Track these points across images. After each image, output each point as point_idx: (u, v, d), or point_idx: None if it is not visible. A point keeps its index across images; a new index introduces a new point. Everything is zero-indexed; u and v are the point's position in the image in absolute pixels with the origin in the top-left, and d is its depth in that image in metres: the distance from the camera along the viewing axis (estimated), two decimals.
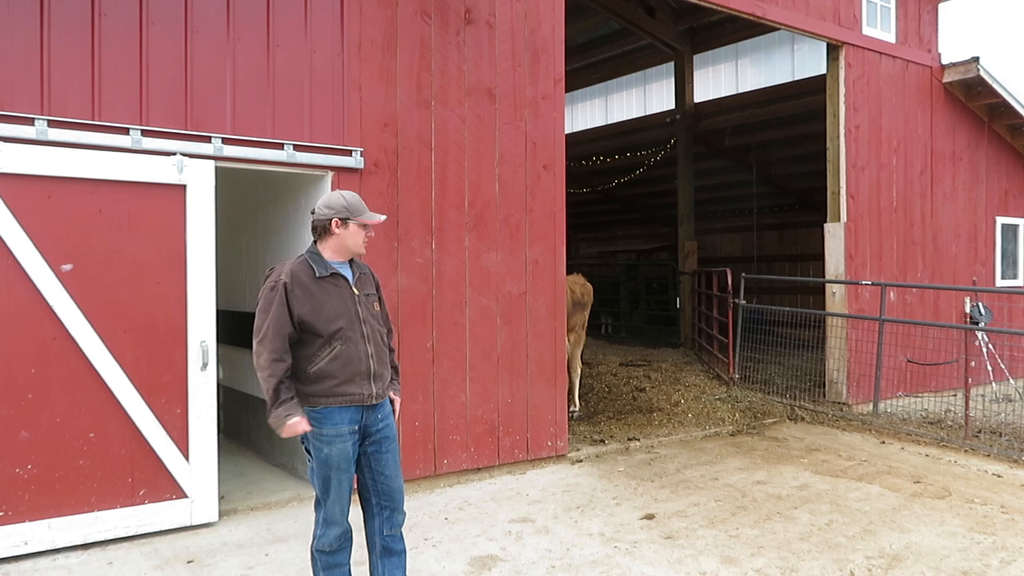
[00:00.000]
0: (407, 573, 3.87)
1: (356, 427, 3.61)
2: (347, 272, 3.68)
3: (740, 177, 16.69)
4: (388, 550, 3.76)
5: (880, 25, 9.98)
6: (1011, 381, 10.34)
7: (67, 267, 4.81)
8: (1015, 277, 11.88)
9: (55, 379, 4.78)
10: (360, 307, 3.64)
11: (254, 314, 3.55)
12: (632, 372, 11.30)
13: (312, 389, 3.55)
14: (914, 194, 10.33)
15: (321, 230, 3.66)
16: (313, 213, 3.69)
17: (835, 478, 6.52)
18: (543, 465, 6.87)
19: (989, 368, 10.22)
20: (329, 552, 3.67)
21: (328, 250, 3.67)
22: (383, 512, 3.73)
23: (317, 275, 3.58)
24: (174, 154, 5.14)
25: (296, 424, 3.47)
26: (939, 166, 10.67)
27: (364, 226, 3.70)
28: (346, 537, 3.70)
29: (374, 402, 3.63)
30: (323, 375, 3.54)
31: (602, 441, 7.68)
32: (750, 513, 5.60)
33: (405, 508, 3.83)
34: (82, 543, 4.86)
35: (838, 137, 9.56)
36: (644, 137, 16.34)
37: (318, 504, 3.68)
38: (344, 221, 3.64)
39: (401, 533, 3.80)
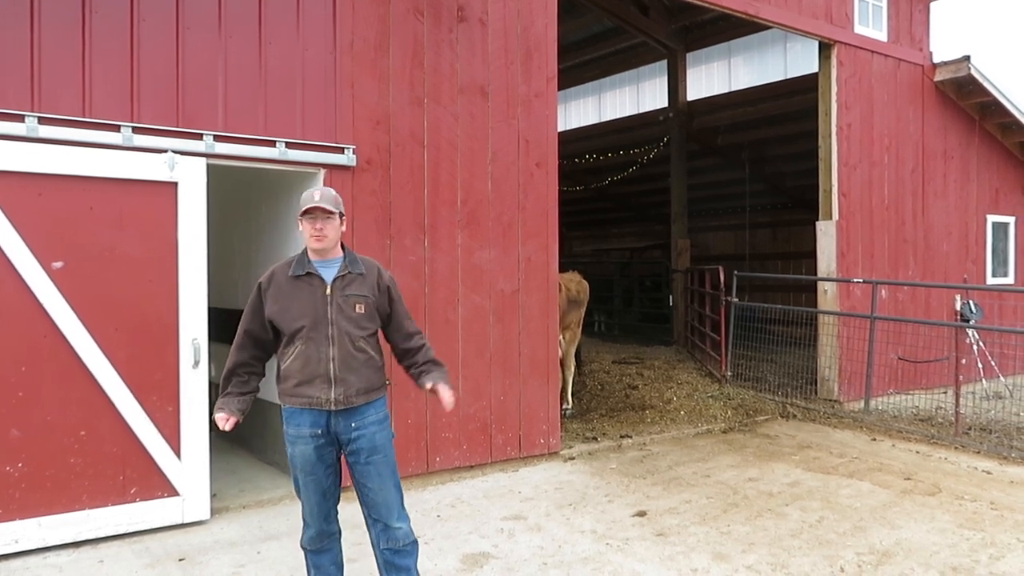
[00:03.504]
0: None
1: (319, 431, 3.52)
2: (327, 271, 3.58)
3: (733, 175, 16.72)
4: (390, 564, 3.62)
5: (872, 24, 10.01)
6: (1001, 378, 10.39)
7: (58, 265, 4.79)
8: (1006, 275, 11.94)
9: (46, 377, 4.77)
10: (331, 308, 3.52)
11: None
12: (625, 370, 11.33)
13: (280, 387, 3.60)
14: (906, 192, 10.37)
15: None
16: None
17: (826, 475, 6.55)
18: (536, 462, 6.88)
19: (980, 365, 10.27)
20: (311, 551, 3.66)
21: (308, 249, 3.64)
22: (376, 525, 3.63)
23: (292, 274, 3.58)
24: (165, 151, 5.13)
25: (218, 419, 3.54)
26: (930, 164, 10.71)
27: (309, 218, 3.54)
28: (328, 539, 3.65)
29: (334, 407, 3.50)
30: (286, 374, 3.55)
31: (595, 439, 7.70)
32: (741, 510, 5.62)
33: (404, 525, 3.64)
34: (73, 541, 4.85)
35: (830, 135, 9.59)
36: (637, 135, 16.36)
37: None
38: (299, 221, 3.61)
39: (407, 548, 3.62)
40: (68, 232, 4.83)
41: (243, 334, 3.62)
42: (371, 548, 3.75)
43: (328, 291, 3.54)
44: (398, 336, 3.80)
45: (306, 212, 3.54)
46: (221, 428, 3.55)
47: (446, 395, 3.70)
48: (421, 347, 3.81)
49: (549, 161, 7.00)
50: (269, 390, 6.71)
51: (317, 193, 3.58)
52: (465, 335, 6.47)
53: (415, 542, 3.67)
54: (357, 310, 3.59)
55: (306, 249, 3.63)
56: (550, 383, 7.03)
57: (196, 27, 5.30)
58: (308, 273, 3.57)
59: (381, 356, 3.69)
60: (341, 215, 3.63)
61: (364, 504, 3.64)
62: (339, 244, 3.65)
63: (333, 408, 3.51)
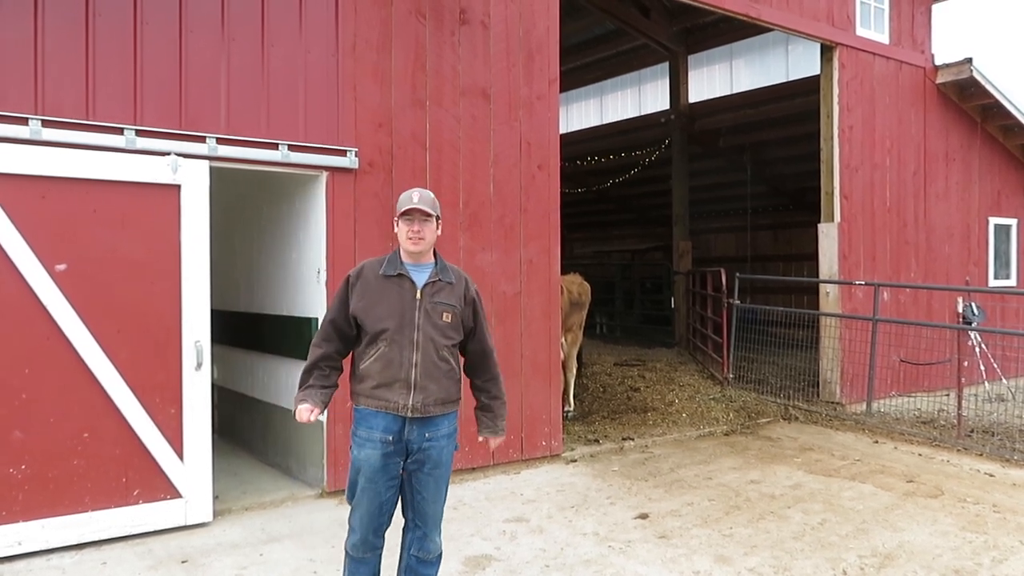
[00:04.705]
0: None
1: (391, 437, 3.42)
2: (419, 275, 3.51)
3: (735, 177, 16.73)
4: (414, 571, 3.61)
5: (874, 26, 10.01)
6: (1004, 381, 10.39)
7: (61, 267, 4.80)
8: (1008, 277, 11.93)
9: (49, 379, 4.77)
10: (418, 313, 3.44)
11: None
12: (627, 372, 11.32)
13: (356, 387, 3.53)
14: (907, 194, 10.37)
15: None
16: None
17: (828, 477, 6.55)
18: (537, 465, 6.88)
19: (982, 368, 10.27)
20: (352, 556, 3.56)
21: (401, 250, 3.56)
22: (416, 530, 3.58)
23: (382, 273, 3.50)
24: (168, 154, 5.14)
25: (302, 410, 3.45)
26: (932, 166, 10.71)
27: (406, 220, 3.48)
28: (371, 551, 3.54)
29: (410, 415, 3.42)
30: (365, 375, 3.48)
31: (596, 441, 7.70)
32: (744, 512, 5.62)
33: (438, 538, 3.63)
34: (76, 543, 4.85)
35: (832, 138, 9.59)
36: (639, 137, 16.37)
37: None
38: (396, 221, 3.54)
39: (433, 560, 3.61)
40: (71, 234, 4.84)
41: (328, 325, 3.55)
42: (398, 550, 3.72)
43: (418, 295, 3.47)
44: (475, 353, 3.72)
45: (404, 213, 3.47)
46: (304, 420, 3.45)
47: (492, 445, 3.82)
48: (494, 377, 3.76)
49: (551, 163, 7.01)
50: (272, 392, 6.74)
51: (416, 195, 3.50)
52: None
53: (441, 555, 3.66)
54: (444, 319, 3.51)
55: (399, 250, 3.56)
56: (552, 385, 7.03)
57: (199, 29, 5.31)
58: (399, 274, 3.49)
59: (460, 370, 3.64)
60: (438, 218, 3.56)
61: (410, 508, 3.58)
62: (432, 249, 3.59)
63: (409, 415, 3.43)
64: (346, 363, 3.67)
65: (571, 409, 8.79)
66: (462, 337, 3.62)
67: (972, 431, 8.17)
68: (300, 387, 3.53)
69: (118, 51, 5.02)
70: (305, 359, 3.60)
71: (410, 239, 3.47)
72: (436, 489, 3.55)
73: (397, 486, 3.52)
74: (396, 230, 3.55)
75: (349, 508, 3.58)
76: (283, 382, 6.49)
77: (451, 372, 3.55)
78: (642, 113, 16.80)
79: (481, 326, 3.69)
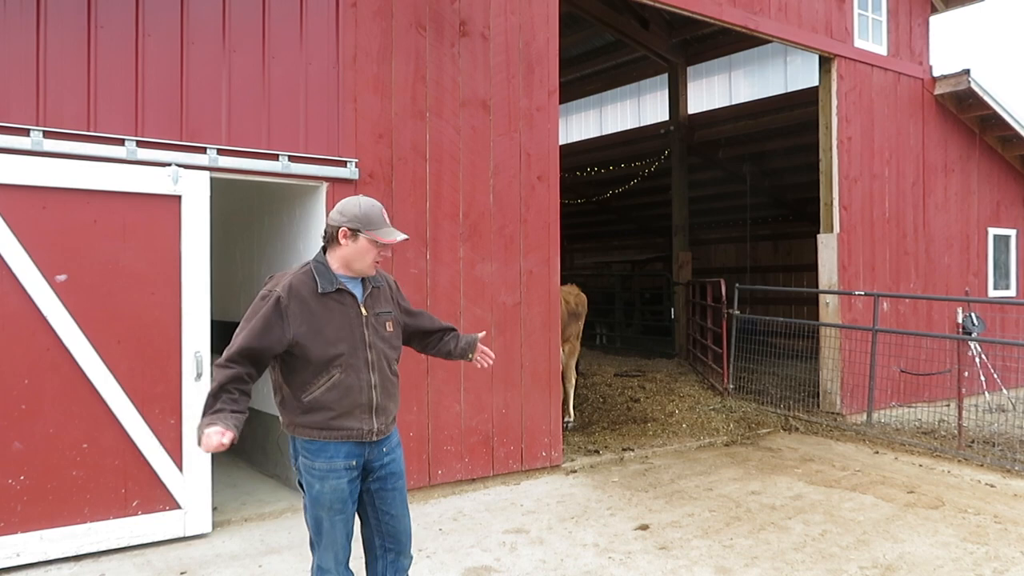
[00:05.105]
0: None
1: (354, 463, 3.20)
2: (356, 288, 3.25)
3: (734, 188, 16.78)
4: None
5: (872, 38, 10.06)
6: (1004, 391, 10.38)
7: (61, 277, 4.81)
8: (1007, 287, 11.95)
9: (49, 390, 4.77)
10: (367, 330, 3.21)
11: None
12: (627, 382, 11.32)
13: (305, 420, 3.18)
14: (906, 205, 10.40)
15: (329, 238, 3.24)
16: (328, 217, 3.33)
17: (829, 488, 6.53)
18: (537, 475, 6.86)
19: (982, 378, 10.27)
20: None
21: (335, 262, 3.23)
22: (387, 555, 3.36)
23: (320, 290, 3.15)
24: (169, 165, 5.16)
25: (211, 434, 2.90)
26: (931, 177, 10.74)
27: (377, 244, 3.21)
28: None
29: (375, 438, 3.24)
30: (318, 406, 3.16)
31: (596, 451, 7.69)
32: (744, 523, 5.60)
33: (411, 553, 3.47)
34: (74, 555, 4.84)
35: (831, 148, 9.62)
36: (638, 148, 16.43)
37: (312, 546, 3.30)
38: (354, 232, 3.18)
39: None
40: (72, 245, 4.85)
41: (245, 350, 3.07)
42: None
43: (363, 310, 3.23)
44: (418, 327, 3.58)
45: (384, 244, 3.23)
46: (214, 446, 2.91)
47: (483, 348, 3.68)
48: (438, 322, 3.66)
49: (551, 174, 7.03)
50: (271, 403, 6.73)
51: (386, 215, 3.29)
52: None
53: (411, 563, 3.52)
54: (388, 328, 3.32)
55: (324, 261, 3.25)
56: (552, 396, 7.03)
57: (200, 42, 5.33)
58: (339, 290, 3.19)
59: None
60: None
61: (378, 533, 3.36)
62: None
63: (374, 439, 3.24)
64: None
65: (571, 420, 8.78)
66: (402, 341, 3.48)
67: (973, 442, 8.15)
68: (205, 413, 3.02)
69: (120, 62, 5.04)
70: None
71: (377, 263, 3.27)
72: (402, 504, 3.39)
73: (356, 507, 3.34)
74: (348, 243, 3.20)
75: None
76: None
77: (398, 384, 3.39)
78: (641, 124, 16.85)
79: (410, 306, 3.55)
